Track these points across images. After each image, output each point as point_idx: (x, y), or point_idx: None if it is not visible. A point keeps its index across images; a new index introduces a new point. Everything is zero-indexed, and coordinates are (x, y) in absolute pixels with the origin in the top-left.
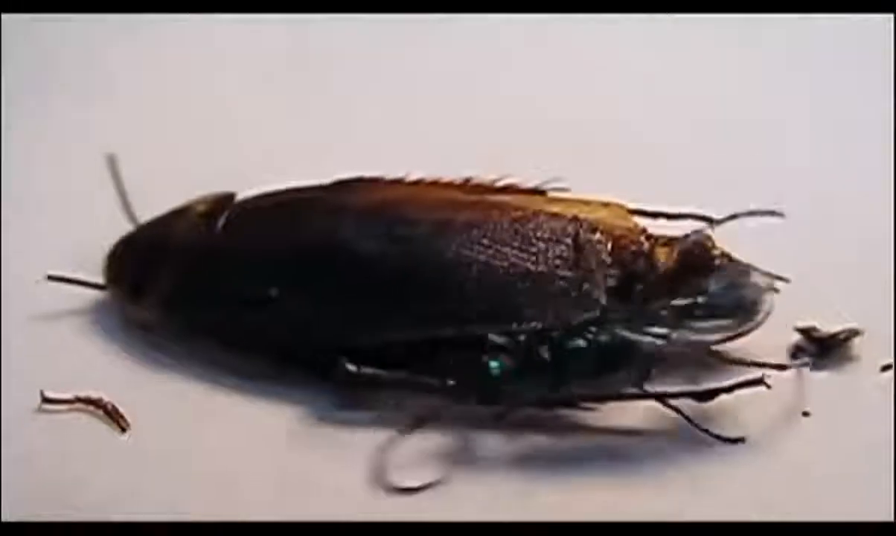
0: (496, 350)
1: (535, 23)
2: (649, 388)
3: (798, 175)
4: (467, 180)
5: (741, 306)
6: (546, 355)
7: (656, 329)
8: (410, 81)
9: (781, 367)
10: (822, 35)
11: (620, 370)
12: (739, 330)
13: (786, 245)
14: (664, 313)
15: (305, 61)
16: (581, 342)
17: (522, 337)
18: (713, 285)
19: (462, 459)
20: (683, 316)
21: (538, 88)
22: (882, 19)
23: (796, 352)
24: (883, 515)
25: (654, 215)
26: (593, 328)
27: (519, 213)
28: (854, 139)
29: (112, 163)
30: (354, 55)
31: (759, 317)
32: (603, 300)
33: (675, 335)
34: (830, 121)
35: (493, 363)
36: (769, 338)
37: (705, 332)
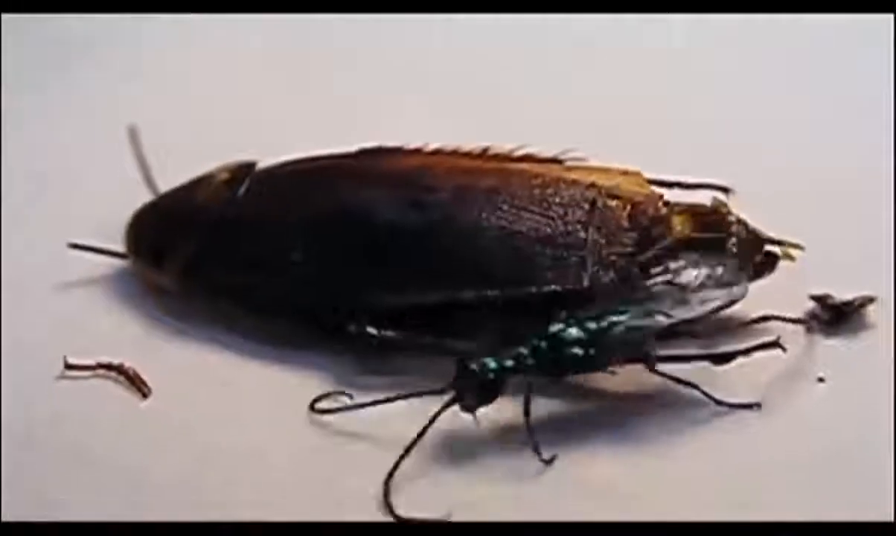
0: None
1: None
2: (666, 352)
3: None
4: (485, 150)
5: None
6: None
7: (673, 293)
8: (428, 56)
9: (797, 321)
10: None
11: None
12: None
13: (800, 213)
14: (678, 278)
15: (329, 34)
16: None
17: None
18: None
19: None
20: (698, 282)
21: (554, 65)
22: (882, 19)
23: (811, 319)
24: (883, 515)
25: (671, 185)
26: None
27: (538, 179)
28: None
29: (133, 135)
30: (377, 29)
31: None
32: (621, 264)
33: (689, 300)
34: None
35: (490, 363)
36: (784, 306)
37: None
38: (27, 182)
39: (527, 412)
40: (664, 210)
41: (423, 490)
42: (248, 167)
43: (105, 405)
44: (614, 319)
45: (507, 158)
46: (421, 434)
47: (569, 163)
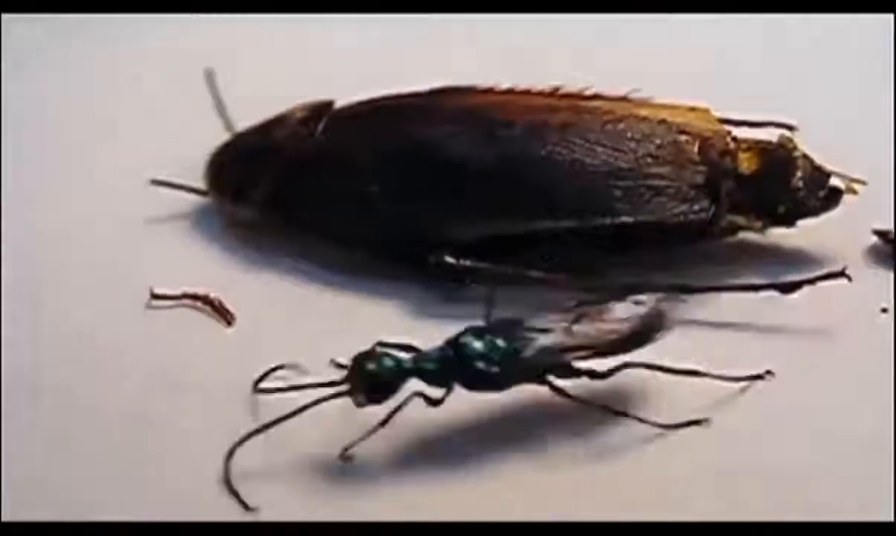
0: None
1: None
2: (734, 281)
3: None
4: (556, 89)
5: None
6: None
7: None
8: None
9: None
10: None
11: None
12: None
13: (863, 148)
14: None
15: None
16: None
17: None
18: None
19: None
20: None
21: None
22: (882, 19)
23: (873, 254)
24: (883, 515)
25: (738, 123)
26: None
27: (609, 116)
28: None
29: (210, 77)
30: None
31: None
32: (691, 196)
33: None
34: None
35: (388, 361)
36: (847, 240)
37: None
38: (109, 124)
39: (384, 422)
40: (732, 145)
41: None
42: (326, 106)
43: (191, 333)
44: (524, 343)
45: (578, 96)
46: (288, 416)
47: (638, 101)
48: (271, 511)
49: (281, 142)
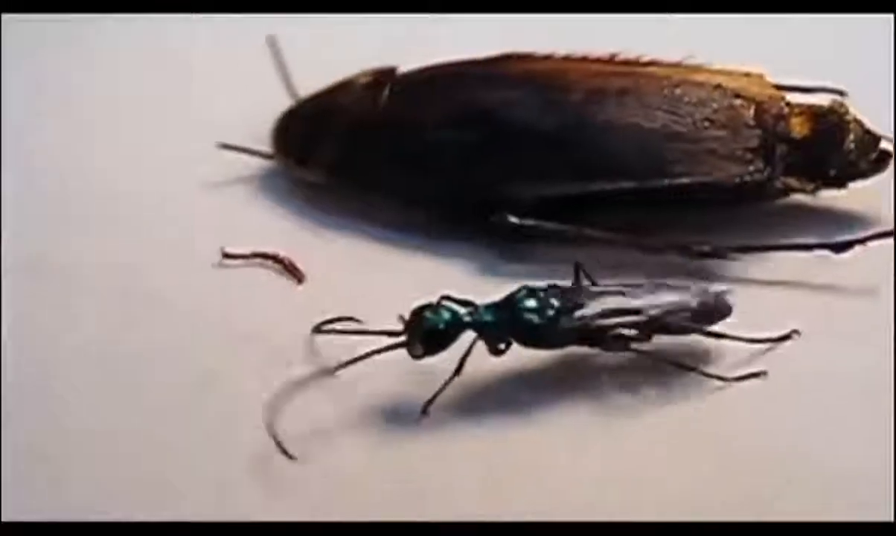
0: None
1: None
2: (786, 241)
3: None
4: (614, 55)
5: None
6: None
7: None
8: None
9: None
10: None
11: None
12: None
13: None
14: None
15: None
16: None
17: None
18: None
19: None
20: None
21: None
22: (882, 19)
23: None
24: (883, 515)
25: (789, 89)
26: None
27: (666, 81)
28: None
29: (273, 43)
30: None
31: None
32: (746, 158)
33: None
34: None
35: (445, 313)
36: None
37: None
38: (179, 94)
39: (458, 371)
40: (786, 110)
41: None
42: (389, 72)
43: (262, 291)
44: (578, 306)
45: (636, 63)
46: (347, 364)
47: (694, 66)
48: (321, 460)
49: (347, 106)
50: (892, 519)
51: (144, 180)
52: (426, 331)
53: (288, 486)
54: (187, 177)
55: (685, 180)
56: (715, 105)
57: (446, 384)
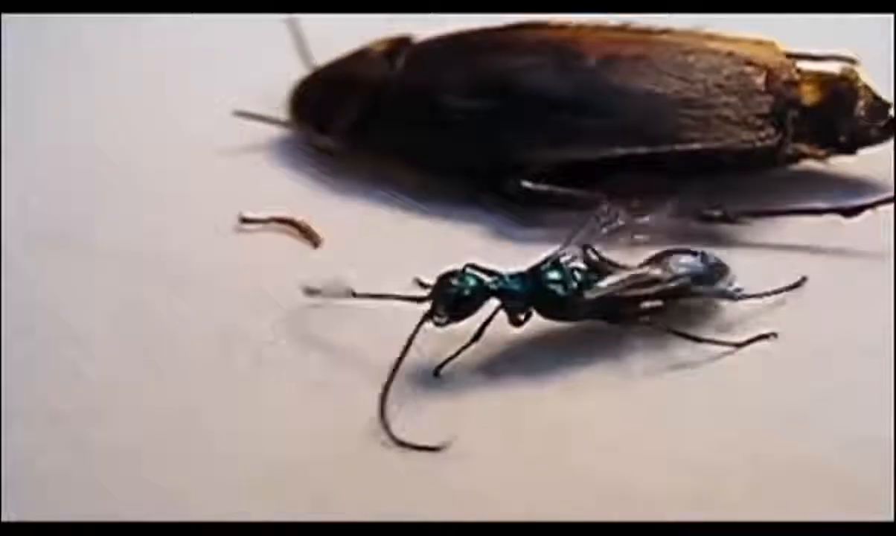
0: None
1: None
2: (797, 206)
3: None
4: (626, 24)
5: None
6: None
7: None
8: None
9: None
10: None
11: None
12: None
13: None
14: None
15: None
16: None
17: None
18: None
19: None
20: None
21: None
22: (882, 19)
23: None
24: (883, 515)
25: (801, 57)
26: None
27: (679, 48)
28: None
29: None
30: None
31: None
32: (757, 124)
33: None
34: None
35: (470, 280)
36: None
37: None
38: (194, 63)
39: (476, 337)
40: (797, 76)
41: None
42: (405, 41)
43: (280, 254)
44: (604, 280)
45: (649, 30)
46: (403, 354)
47: (706, 34)
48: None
49: (363, 73)
50: (892, 519)
51: (164, 150)
52: (453, 298)
53: (308, 437)
54: (205, 145)
55: (697, 146)
56: (726, 71)
57: (464, 347)
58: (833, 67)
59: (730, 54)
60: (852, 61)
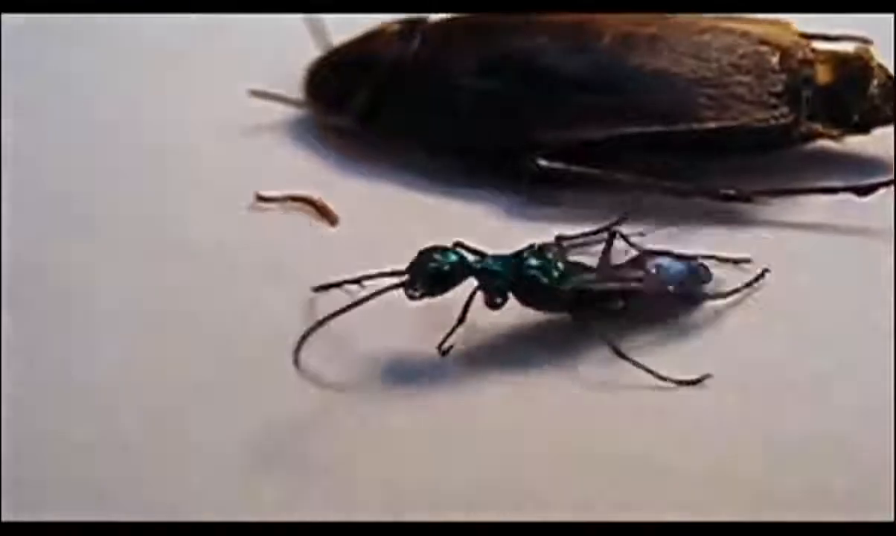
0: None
1: None
2: (813, 185)
3: None
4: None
5: None
6: None
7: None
8: None
9: None
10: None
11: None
12: None
13: None
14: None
15: None
16: None
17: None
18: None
19: None
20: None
21: None
22: (882, 19)
23: None
24: (883, 515)
25: (815, 37)
26: None
27: (695, 28)
28: None
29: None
30: None
31: None
32: (772, 103)
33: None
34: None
35: (451, 255)
36: None
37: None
38: (208, 43)
39: (461, 320)
40: (811, 56)
41: None
42: (419, 20)
43: (297, 232)
44: (584, 274)
45: (664, 11)
46: (352, 306)
47: (721, 15)
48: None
49: (378, 53)
50: (892, 519)
51: (181, 129)
52: (430, 273)
53: (320, 413)
54: (222, 124)
55: (712, 125)
56: (741, 51)
57: (452, 330)
58: (847, 47)
59: (744, 34)
60: (866, 41)
